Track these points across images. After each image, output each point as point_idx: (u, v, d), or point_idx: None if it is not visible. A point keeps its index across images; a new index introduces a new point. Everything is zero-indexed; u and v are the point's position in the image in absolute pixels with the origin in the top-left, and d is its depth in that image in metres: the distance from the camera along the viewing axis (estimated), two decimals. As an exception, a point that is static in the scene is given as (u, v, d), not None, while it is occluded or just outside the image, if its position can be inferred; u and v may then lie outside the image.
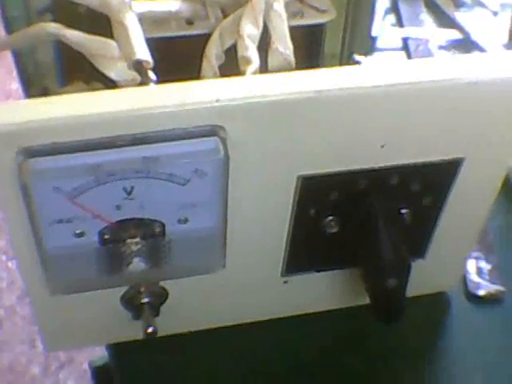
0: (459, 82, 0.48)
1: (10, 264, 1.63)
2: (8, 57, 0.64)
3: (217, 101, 0.44)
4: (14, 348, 1.50)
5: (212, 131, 0.45)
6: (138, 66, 0.51)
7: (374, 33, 0.90)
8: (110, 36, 0.53)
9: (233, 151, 0.46)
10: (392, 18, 0.97)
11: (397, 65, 0.49)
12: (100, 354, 1.00)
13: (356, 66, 0.53)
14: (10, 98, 1.90)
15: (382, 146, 0.50)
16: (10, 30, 0.59)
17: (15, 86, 1.88)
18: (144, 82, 0.50)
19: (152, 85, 0.50)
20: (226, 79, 0.47)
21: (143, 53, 0.51)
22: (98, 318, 0.57)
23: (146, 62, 0.51)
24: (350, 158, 0.51)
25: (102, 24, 0.55)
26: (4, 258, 1.64)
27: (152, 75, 0.50)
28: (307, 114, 0.47)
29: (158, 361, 0.61)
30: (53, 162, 0.44)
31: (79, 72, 0.59)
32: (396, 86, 0.47)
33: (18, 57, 0.61)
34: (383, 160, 0.52)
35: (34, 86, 0.63)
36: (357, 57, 0.60)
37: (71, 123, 0.43)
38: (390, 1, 0.98)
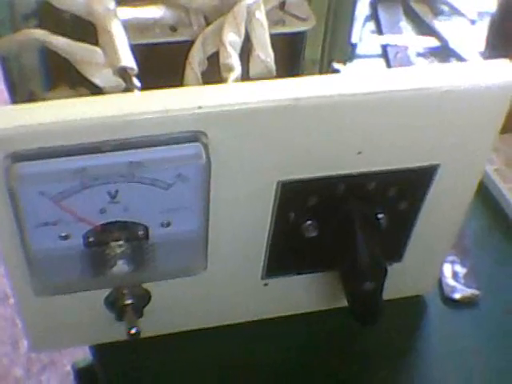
0: (434, 90, 0.49)
1: (-8, 266, 1.62)
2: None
3: (199, 108, 0.45)
4: (-4, 350, 1.50)
5: (194, 137, 0.46)
6: (123, 72, 0.51)
7: (353, 40, 0.91)
8: (94, 40, 0.54)
9: (214, 157, 0.47)
10: (372, 25, 0.98)
11: (373, 74, 0.50)
12: (82, 355, 1.00)
13: (334, 75, 0.54)
14: (-6, 99, 1.89)
15: (359, 153, 0.52)
16: (-5, 33, 0.60)
17: (0, 87, 1.87)
18: (128, 88, 0.51)
19: (136, 91, 0.51)
20: (207, 87, 0.48)
21: (128, 60, 0.52)
22: (82, 319, 0.58)
23: (131, 68, 0.51)
24: (328, 164, 0.52)
25: (86, 29, 0.55)
26: (-14, 259, 1.63)
27: (136, 82, 0.51)
28: (286, 121, 0.48)
29: (141, 361, 0.61)
30: (39, 167, 0.45)
31: (64, 77, 0.60)
32: (373, 94, 0.48)
33: (4, 61, 0.62)
34: (360, 166, 0.53)
35: (19, 90, 0.63)
36: (336, 65, 0.61)
37: (57, 128, 0.44)
38: (370, 8, 0.99)
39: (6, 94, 0.65)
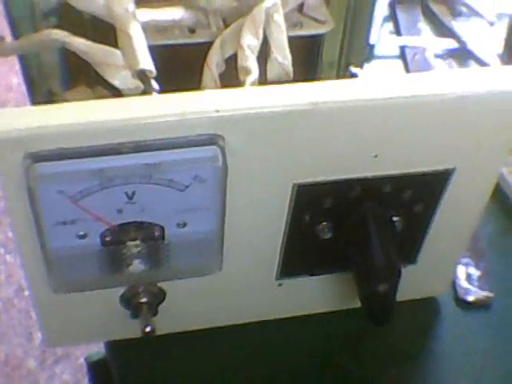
0: (450, 96, 0.49)
1: (8, 257, 1.63)
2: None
3: (216, 111, 0.46)
4: (10, 341, 1.51)
5: (211, 140, 0.47)
6: (142, 75, 0.52)
7: (371, 40, 0.91)
8: (113, 40, 0.54)
9: (231, 159, 0.48)
10: (390, 26, 0.98)
11: (390, 79, 0.50)
12: (96, 349, 1.01)
13: (352, 79, 0.55)
14: (11, 91, 1.92)
15: (375, 156, 0.52)
16: (15, 30, 0.60)
17: (16, 80, 1.89)
18: (147, 90, 0.51)
19: (155, 94, 0.51)
20: (225, 90, 0.48)
21: (147, 62, 0.52)
22: (97, 316, 0.59)
23: (150, 71, 0.52)
24: (344, 167, 0.52)
25: (105, 30, 0.56)
26: (2, 251, 1.65)
27: (155, 84, 0.51)
28: (303, 125, 0.48)
29: (154, 357, 0.62)
30: (58, 167, 0.45)
31: (83, 76, 0.60)
32: (390, 99, 0.49)
33: (23, 59, 0.62)
34: (376, 169, 0.53)
35: (38, 88, 0.64)
36: (353, 69, 0.61)
37: (77, 130, 0.45)
38: (389, 9, 0.99)
39: (22, 86, 0.65)
